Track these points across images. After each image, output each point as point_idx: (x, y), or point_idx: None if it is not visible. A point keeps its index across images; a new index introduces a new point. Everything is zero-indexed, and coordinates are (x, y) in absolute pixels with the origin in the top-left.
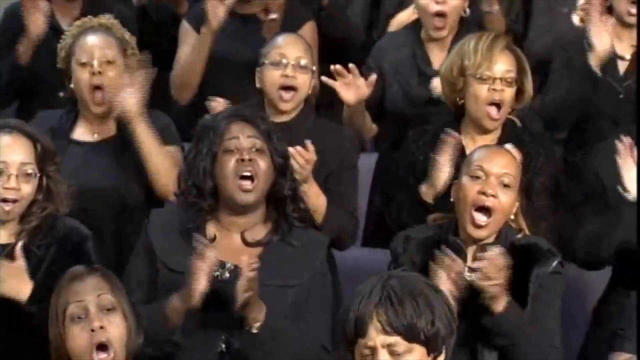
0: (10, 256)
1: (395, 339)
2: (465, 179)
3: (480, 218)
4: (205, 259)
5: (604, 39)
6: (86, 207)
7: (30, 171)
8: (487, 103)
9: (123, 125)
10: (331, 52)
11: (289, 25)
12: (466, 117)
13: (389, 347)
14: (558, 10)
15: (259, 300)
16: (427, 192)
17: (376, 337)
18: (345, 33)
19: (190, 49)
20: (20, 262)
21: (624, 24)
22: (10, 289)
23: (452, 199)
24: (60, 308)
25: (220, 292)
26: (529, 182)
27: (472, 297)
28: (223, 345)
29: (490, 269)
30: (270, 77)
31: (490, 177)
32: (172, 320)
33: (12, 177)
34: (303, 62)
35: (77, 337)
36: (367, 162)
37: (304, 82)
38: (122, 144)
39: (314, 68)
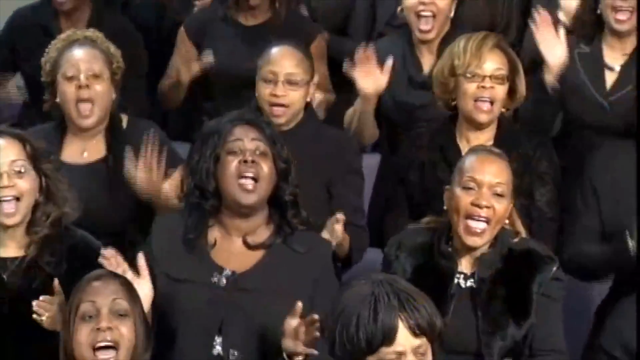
0: (21, 271)
1: (422, 340)
2: (457, 190)
3: (476, 225)
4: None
5: (557, 52)
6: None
7: (22, 168)
8: (475, 99)
9: (112, 145)
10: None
11: (300, 40)
12: (460, 118)
13: (415, 350)
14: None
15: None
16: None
17: (405, 341)
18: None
19: (181, 60)
20: (61, 296)
21: (615, 33)
22: (53, 325)
23: (445, 207)
24: (74, 304)
25: (216, 298)
26: (528, 186)
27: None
28: (219, 348)
29: None
30: (261, 94)
31: (482, 187)
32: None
33: (4, 175)
34: (294, 78)
35: (83, 335)
36: (368, 163)
37: (296, 98)
38: (113, 166)
39: (310, 79)
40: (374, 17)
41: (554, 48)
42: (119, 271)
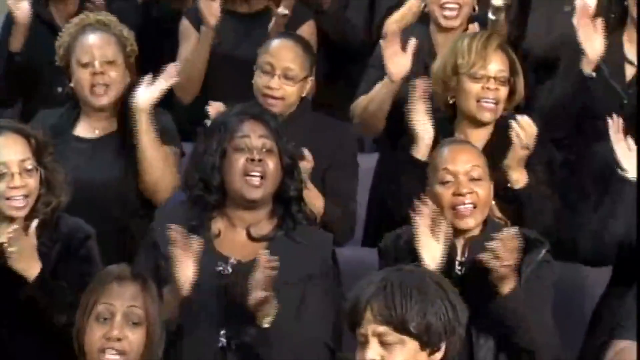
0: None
1: (385, 329)
2: (437, 187)
3: (464, 208)
4: (187, 249)
5: (595, 44)
6: (89, 202)
7: (30, 166)
8: (478, 100)
9: (124, 122)
10: (331, 51)
11: (289, 24)
12: (459, 116)
13: (379, 337)
14: (558, 10)
15: (271, 297)
16: (417, 150)
17: (368, 325)
18: (344, 34)
19: (191, 48)
20: (33, 239)
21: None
22: (21, 264)
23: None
24: (90, 301)
25: (221, 287)
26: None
27: (470, 281)
28: (224, 340)
29: (503, 250)
30: (257, 83)
31: (458, 176)
32: (166, 314)
33: (16, 175)
34: (291, 73)
35: (94, 336)
36: (367, 162)
37: (291, 92)
38: (123, 139)
39: (307, 75)
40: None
41: (592, 39)
42: None
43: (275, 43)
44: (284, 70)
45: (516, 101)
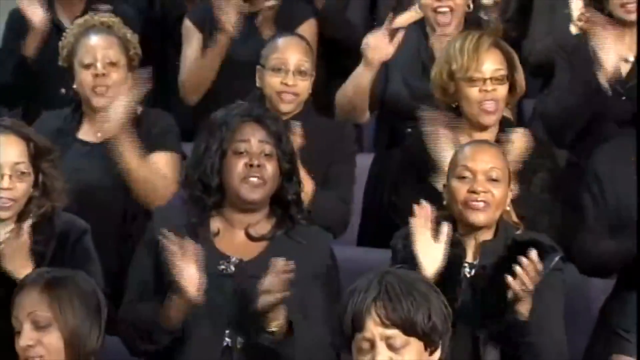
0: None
1: (394, 332)
2: (453, 182)
3: (477, 204)
4: (184, 253)
5: (611, 55)
6: (88, 205)
7: (24, 170)
8: (479, 104)
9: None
10: (331, 51)
11: (289, 23)
12: (463, 119)
13: (387, 340)
14: (559, 12)
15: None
16: (438, 179)
17: (374, 329)
18: (344, 33)
19: (195, 49)
20: (25, 238)
21: (625, 24)
22: (11, 265)
23: (444, 202)
24: (13, 317)
25: (224, 286)
26: (528, 177)
27: (480, 285)
28: (228, 340)
29: (526, 276)
30: (270, 83)
31: (477, 175)
32: (173, 320)
33: (6, 177)
34: (303, 67)
35: (17, 347)
36: (365, 162)
37: (304, 87)
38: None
39: (313, 72)
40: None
41: (608, 51)
42: None
43: (282, 41)
44: (297, 66)
45: (518, 94)
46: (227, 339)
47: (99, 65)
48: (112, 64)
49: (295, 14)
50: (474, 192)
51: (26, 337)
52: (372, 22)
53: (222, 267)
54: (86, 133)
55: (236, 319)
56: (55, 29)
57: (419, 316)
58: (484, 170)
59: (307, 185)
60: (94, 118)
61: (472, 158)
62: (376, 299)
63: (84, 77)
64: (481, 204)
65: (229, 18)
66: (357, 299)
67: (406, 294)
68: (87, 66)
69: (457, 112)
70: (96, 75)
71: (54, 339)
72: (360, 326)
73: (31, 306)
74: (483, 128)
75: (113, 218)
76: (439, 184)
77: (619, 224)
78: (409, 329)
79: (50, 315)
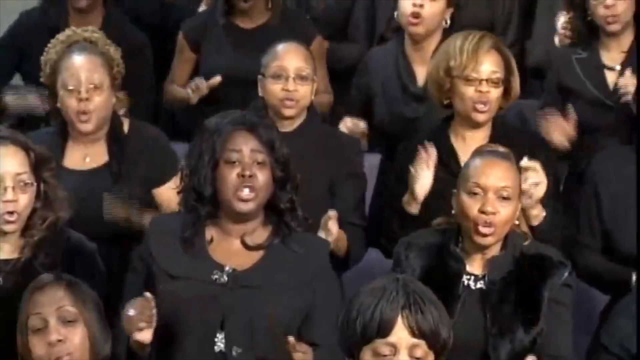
0: (15, 273)
1: (420, 342)
2: (463, 196)
3: (484, 228)
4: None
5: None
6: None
7: (27, 181)
8: (473, 103)
9: (114, 151)
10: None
11: (299, 40)
12: (455, 117)
13: (410, 349)
14: (557, 17)
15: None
16: (408, 202)
17: (402, 337)
18: (343, 60)
19: (181, 64)
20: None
21: (608, 33)
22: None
23: (453, 211)
24: (23, 319)
25: (216, 295)
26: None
27: (492, 300)
28: (222, 345)
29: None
30: (272, 90)
31: (488, 192)
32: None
33: (9, 189)
34: (303, 72)
35: (37, 348)
36: (369, 162)
37: (305, 92)
38: (115, 171)
39: (315, 77)
40: (374, 18)
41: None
42: None
43: (281, 48)
44: (297, 71)
45: (512, 99)
46: (220, 344)
47: (82, 90)
48: (96, 88)
49: (305, 31)
50: (484, 212)
51: (55, 331)
52: (372, 22)
53: (215, 276)
54: (73, 159)
55: (232, 329)
56: None
57: (444, 331)
58: (495, 189)
59: (342, 242)
60: (80, 140)
61: (484, 175)
62: (405, 308)
63: (69, 101)
64: (489, 230)
65: (198, 92)
66: (382, 305)
67: (433, 306)
68: (71, 91)
69: (447, 111)
70: (80, 100)
71: (80, 336)
72: (385, 332)
73: (58, 301)
74: (475, 125)
75: (105, 247)
76: (411, 208)
77: (611, 244)
78: (433, 342)
79: (77, 311)
